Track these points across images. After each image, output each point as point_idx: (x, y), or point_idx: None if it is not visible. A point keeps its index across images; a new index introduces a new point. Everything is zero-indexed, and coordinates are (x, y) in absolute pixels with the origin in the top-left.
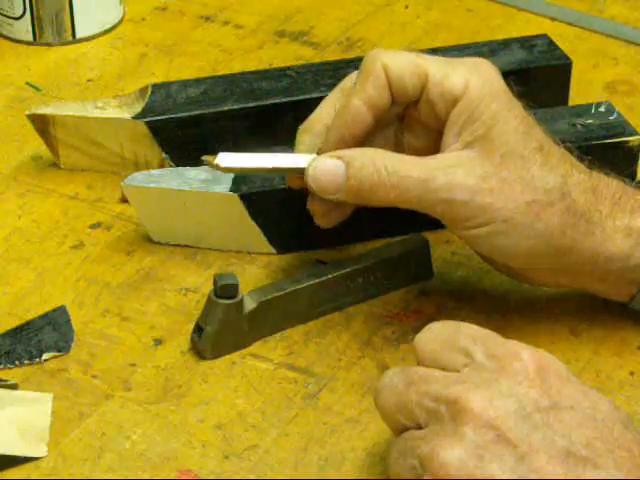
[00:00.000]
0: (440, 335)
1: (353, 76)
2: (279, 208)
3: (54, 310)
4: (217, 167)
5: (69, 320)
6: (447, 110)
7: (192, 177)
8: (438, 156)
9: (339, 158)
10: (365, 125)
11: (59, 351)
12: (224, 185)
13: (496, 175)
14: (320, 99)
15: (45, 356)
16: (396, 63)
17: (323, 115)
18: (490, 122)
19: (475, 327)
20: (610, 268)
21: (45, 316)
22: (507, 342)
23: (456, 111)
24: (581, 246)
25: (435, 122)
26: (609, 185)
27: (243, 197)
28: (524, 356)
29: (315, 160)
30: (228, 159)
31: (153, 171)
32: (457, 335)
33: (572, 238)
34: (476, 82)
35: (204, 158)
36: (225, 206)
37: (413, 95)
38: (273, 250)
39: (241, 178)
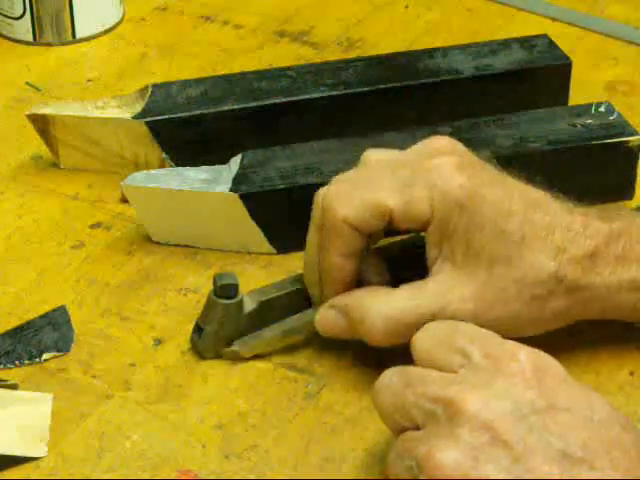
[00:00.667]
0: (437, 335)
1: (320, 208)
2: (279, 208)
3: (54, 310)
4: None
5: (69, 320)
6: (422, 228)
7: (192, 177)
8: (429, 285)
9: (332, 307)
10: (353, 269)
11: (59, 351)
12: (224, 185)
13: (489, 287)
14: (320, 99)
15: (45, 356)
16: (354, 212)
17: (315, 261)
18: (465, 236)
19: (473, 327)
20: (619, 314)
21: (45, 316)
22: (504, 342)
23: (430, 230)
24: (589, 307)
25: (416, 229)
26: (609, 240)
27: (243, 197)
28: (521, 357)
29: (317, 315)
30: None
31: (153, 171)
32: (454, 335)
33: (578, 308)
34: (439, 199)
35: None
36: (225, 206)
37: (384, 227)
38: (273, 250)
39: (242, 177)
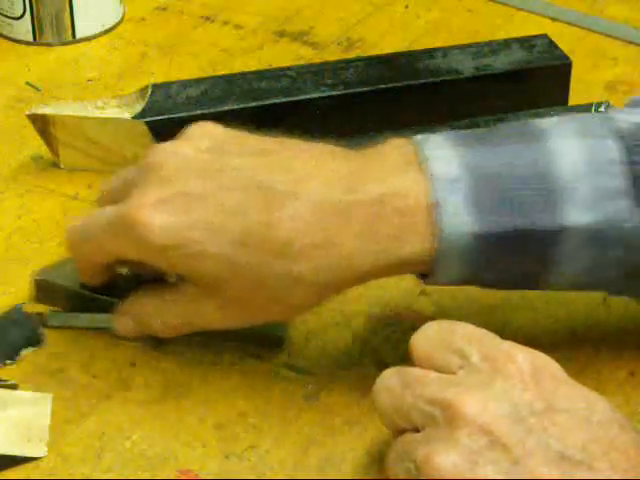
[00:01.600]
0: (436, 336)
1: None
2: None
3: (8, 312)
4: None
5: (28, 316)
6: None
7: None
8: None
9: (124, 315)
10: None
11: (34, 345)
12: None
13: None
14: (320, 99)
15: (23, 352)
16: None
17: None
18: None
19: (471, 327)
20: None
21: (3, 319)
22: (502, 343)
23: None
24: None
25: None
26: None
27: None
28: (519, 358)
29: (114, 322)
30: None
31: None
32: (453, 336)
33: None
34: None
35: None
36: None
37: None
38: None
39: None
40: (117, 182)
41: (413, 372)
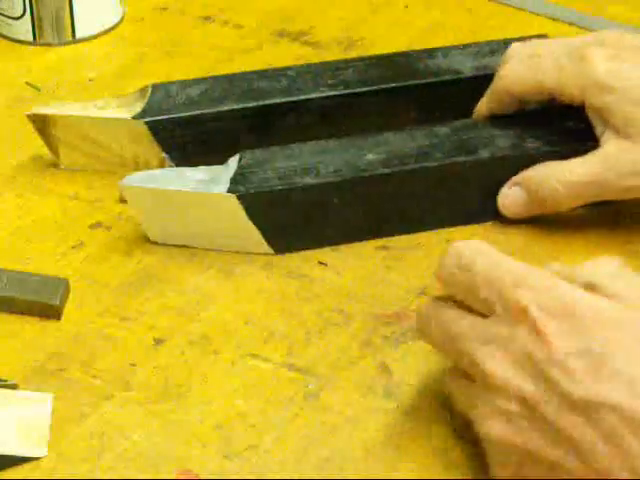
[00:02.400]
0: (459, 274)
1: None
2: (277, 209)
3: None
4: None
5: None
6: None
7: (190, 177)
8: (598, 152)
9: (515, 184)
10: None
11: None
12: (222, 185)
13: None
14: (320, 99)
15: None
16: (517, 87)
17: None
18: (620, 112)
19: (491, 263)
20: None
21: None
22: (516, 291)
23: (587, 110)
24: None
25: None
26: None
27: (241, 197)
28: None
29: (500, 196)
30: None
31: (151, 171)
32: (475, 281)
33: None
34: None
35: None
36: (223, 207)
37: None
38: (271, 250)
39: (239, 177)
40: None
41: (449, 314)
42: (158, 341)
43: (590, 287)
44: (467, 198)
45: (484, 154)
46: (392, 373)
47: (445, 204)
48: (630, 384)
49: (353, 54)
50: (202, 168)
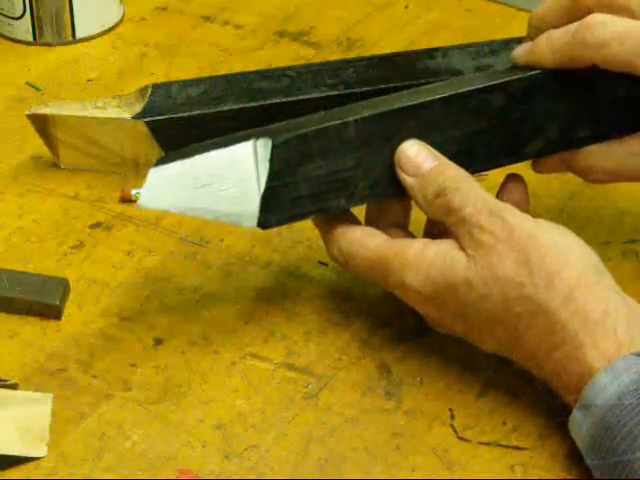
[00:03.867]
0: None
1: None
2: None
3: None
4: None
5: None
6: None
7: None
8: None
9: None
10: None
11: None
12: (251, 213)
13: None
14: (320, 99)
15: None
16: None
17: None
18: None
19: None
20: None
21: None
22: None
23: None
24: None
25: None
26: None
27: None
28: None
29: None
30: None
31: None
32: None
33: None
34: None
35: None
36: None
37: None
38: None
39: (269, 195)
40: None
41: None
42: (158, 341)
43: None
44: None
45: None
46: (392, 373)
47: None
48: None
49: (353, 54)
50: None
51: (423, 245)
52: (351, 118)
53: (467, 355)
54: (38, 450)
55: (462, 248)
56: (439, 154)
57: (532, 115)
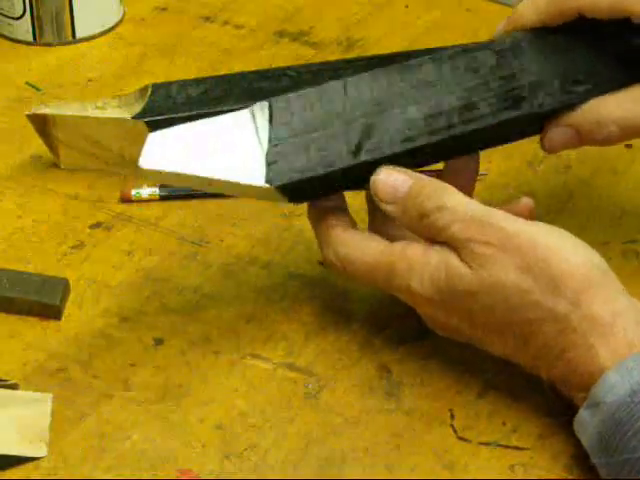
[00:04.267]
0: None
1: None
2: (317, 189)
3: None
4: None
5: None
6: None
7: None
8: None
9: (566, 126)
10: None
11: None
12: (257, 171)
13: None
14: None
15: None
16: None
17: None
18: None
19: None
20: None
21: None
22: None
23: None
24: None
25: None
26: None
27: (280, 188)
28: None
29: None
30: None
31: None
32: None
33: None
34: None
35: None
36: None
37: None
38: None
39: (273, 154)
40: None
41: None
42: (158, 341)
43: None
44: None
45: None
46: (392, 373)
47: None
48: None
49: (353, 54)
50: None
51: (424, 250)
52: (347, 78)
53: (467, 356)
54: (38, 450)
55: (462, 260)
56: (412, 172)
57: (526, 70)
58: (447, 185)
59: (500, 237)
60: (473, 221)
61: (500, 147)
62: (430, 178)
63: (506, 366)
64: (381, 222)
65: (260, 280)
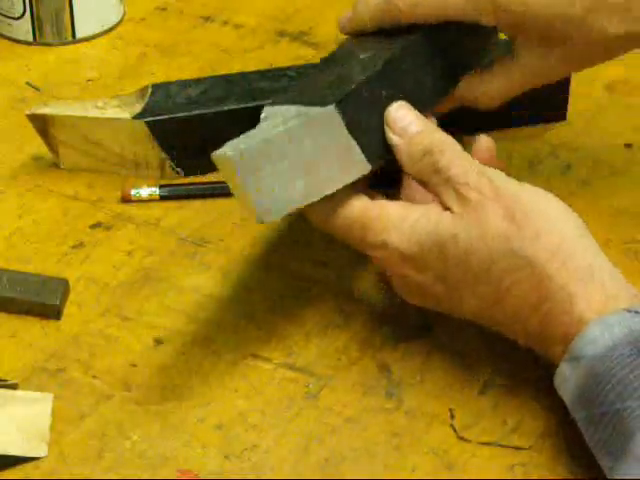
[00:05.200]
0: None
1: None
2: (370, 114)
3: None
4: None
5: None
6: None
7: (280, 120)
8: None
9: None
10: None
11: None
12: (316, 107)
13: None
14: None
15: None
16: None
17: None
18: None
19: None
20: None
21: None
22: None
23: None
24: None
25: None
26: None
27: (339, 107)
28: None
29: None
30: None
31: (245, 138)
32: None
33: None
34: None
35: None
36: (326, 128)
37: None
38: (369, 166)
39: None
40: None
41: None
42: (158, 341)
43: None
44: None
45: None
46: (392, 373)
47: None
48: None
49: None
50: (276, 116)
51: (405, 207)
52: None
53: (467, 355)
54: (38, 450)
55: (447, 208)
56: (427, 120)
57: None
58: (456, 142)
59: (492, 188)
60: (471, 168)
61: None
62: (443, 131)
63: (506, 364)
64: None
65: (260, 280)
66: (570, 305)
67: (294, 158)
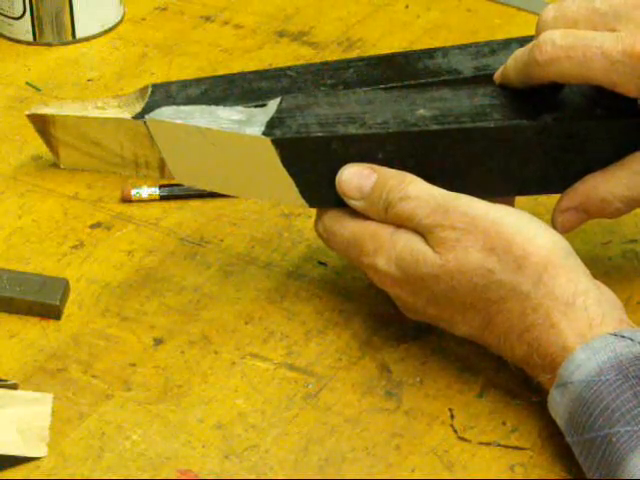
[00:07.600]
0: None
1: None
2: (314, 157)
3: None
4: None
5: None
6: None
7: (224, 116)
8: None
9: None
10: None
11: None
12: (257, 127)
13: None
14: None
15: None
16: None
17: None
18: None
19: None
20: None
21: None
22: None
23: None
24: None
25: None
26: None
27: (276, 142)
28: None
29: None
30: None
31: (183, 107)
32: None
33: None
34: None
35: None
36: (255, 150)
37: None
38: (305, 203)
39: (277, 121)
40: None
41: None
42: (158, 341)
43: None
44: (526, 165)
45: (547, 118)
46: (392, 373)
47: (497, 170)
48: None
49: (353, 54)
50: (238, 108)
51: (392, 233)
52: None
53: (467, 355)
54: (38, 450)
55: (428, 244)
56: (375, 166)
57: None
58: (410, 175)
59: (465, 220)
60: (438, 207)
61: None
62: (394, 170)
63: (506, 365)
64: None
65: (260, 280)
66: (555, 334)
67: (211, 154)
